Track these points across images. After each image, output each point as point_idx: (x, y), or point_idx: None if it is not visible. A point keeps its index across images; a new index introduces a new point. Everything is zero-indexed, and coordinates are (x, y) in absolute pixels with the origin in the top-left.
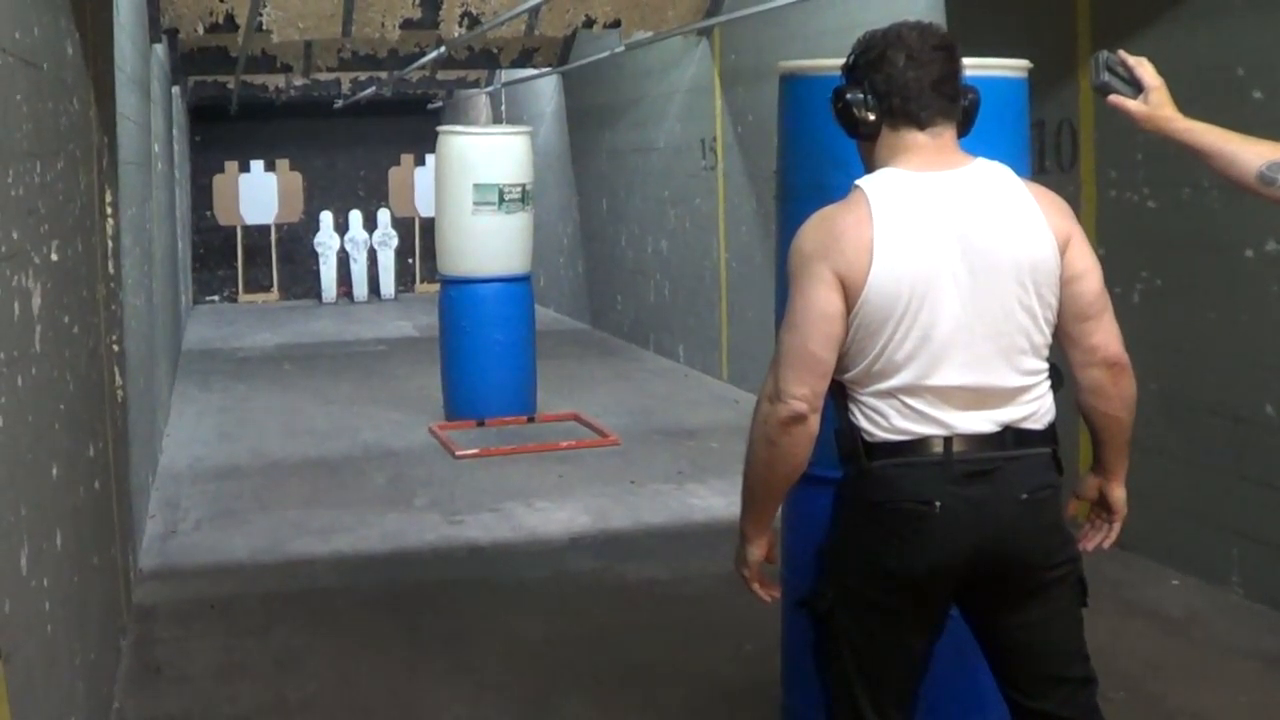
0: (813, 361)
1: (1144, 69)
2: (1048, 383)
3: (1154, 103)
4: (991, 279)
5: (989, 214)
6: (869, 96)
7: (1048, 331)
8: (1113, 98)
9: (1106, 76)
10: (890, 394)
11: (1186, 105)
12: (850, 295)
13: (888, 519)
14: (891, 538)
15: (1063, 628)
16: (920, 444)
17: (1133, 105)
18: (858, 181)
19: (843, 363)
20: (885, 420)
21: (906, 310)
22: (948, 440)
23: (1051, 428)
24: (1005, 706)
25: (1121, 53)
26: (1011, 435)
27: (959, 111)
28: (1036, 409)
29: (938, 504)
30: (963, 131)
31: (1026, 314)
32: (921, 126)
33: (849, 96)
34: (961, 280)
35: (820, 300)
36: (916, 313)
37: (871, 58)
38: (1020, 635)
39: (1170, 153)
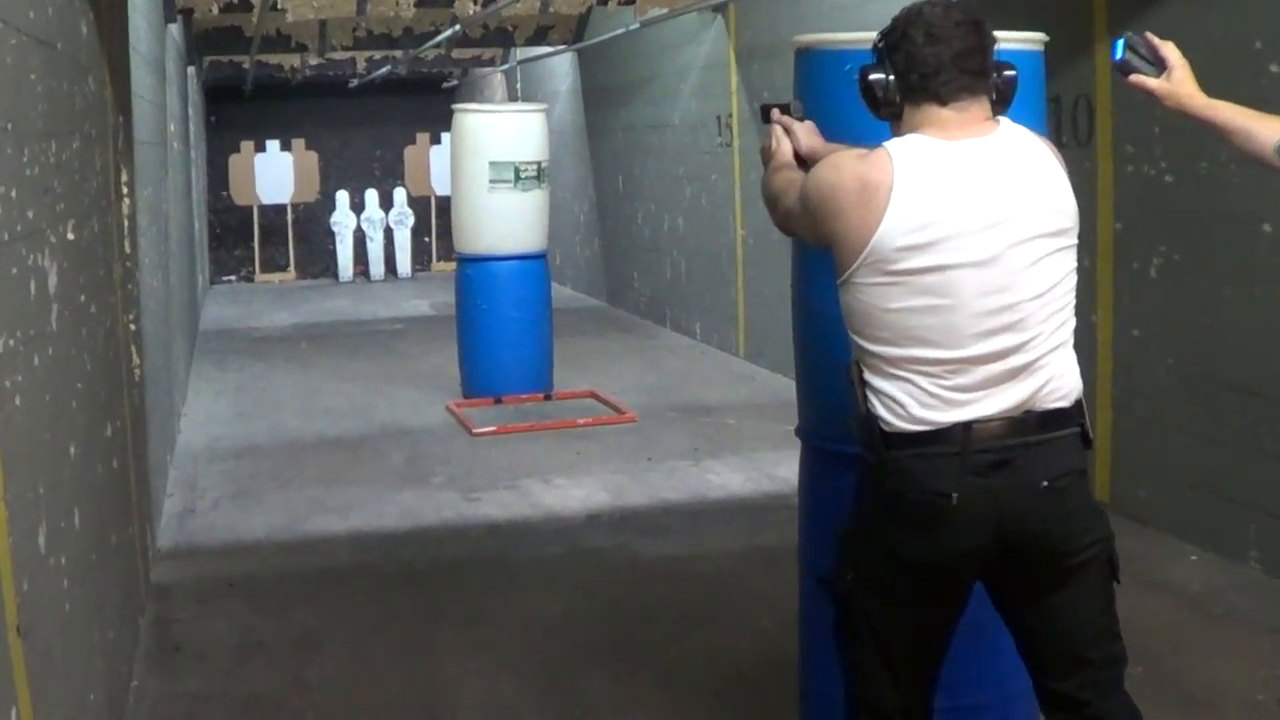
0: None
1: (1168, 49)
2: (1071, 350)
3: (1176, 80)
4: (1014, 243)
5: (1014, 178)
6: (889, 76)
7: (1070, 297)
8: (1134, 77)
9: (1128, 54)
10: (909, 375)
11: (1202, 79)
12: (863, 239)
13: (906, 509)
14: (909, 528)
15: (1088, 609)
16: (938, 435)
17: (1154, 83)
18: (884, 144)
19: (858, 325)
20: (904, 410)
21: (925, 270)
22: (966, 428)
23: (1079, 404)
24: (1024, 681)
25: (1147, 34)
26: (1035, 419)
27: (989, 88)
28: (1061, 382)
29: (954, 496)
30: (1000, 110)
31: (1049, 276)
32: (943, 102)
33: (871, 77)
34: (981, 247)
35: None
36: (934, 275)
37: (894, 38)
38: (1043, 618)
39: (1188, 127)
